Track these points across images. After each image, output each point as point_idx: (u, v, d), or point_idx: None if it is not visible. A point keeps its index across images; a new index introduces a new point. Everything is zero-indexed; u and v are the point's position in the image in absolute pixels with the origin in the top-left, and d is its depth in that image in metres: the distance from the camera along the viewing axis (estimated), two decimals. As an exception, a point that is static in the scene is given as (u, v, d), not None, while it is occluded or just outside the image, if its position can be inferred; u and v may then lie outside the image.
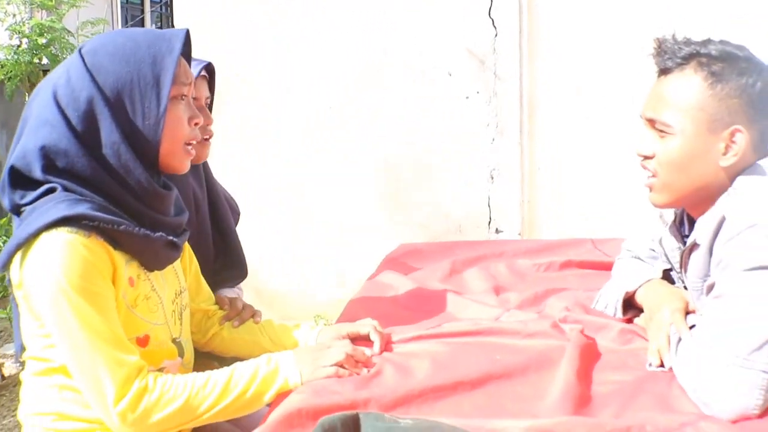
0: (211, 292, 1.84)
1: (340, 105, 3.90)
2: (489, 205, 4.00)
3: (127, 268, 1.43)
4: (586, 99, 3.92)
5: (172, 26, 3.85)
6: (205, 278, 1.86)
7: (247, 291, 2.22)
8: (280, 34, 3.89)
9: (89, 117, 1.39)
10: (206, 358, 1.79)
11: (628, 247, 1.92)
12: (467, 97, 3.89)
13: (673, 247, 1.65)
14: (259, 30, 3.90)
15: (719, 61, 1.44)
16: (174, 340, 1.54)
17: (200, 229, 2.00)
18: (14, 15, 5.18)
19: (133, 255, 1.44)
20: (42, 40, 5.04)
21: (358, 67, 3.86)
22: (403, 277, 2.11)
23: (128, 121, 1.40)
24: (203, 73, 1.89)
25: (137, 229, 1.41)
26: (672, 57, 1.48)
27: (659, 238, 1.70)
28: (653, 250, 1.80)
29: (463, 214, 4.00)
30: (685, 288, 1.63)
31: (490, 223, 4.02)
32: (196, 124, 1.50)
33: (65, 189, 1.38)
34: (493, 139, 3.92)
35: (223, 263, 2.08)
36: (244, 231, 2.21)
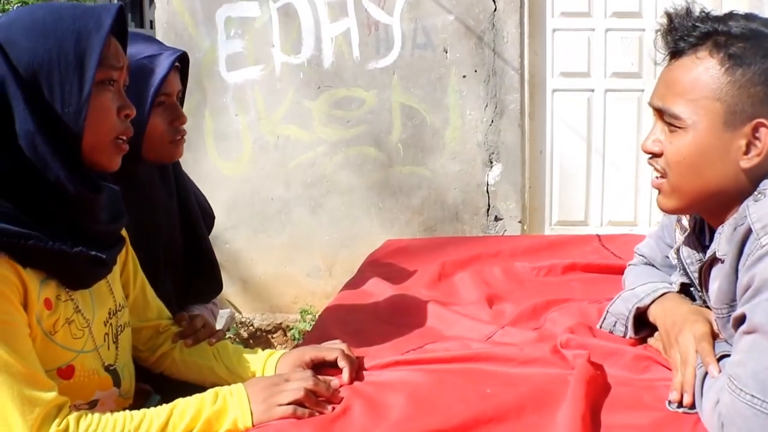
0: (162, 305, 1.61)
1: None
2: (487, 191, 3.76)
3: (43, 288, 1.21)
4: (593, 77, 3.68)
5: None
6: (175, 292, 1.70)
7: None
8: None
9: (1, 101, 1.16)
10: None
11: (642, 251, 1.68)
12: (464, 76, 3.63)
13: (692, 259, 1.40)
14: None
15: (741, 40, 1.18)
16: (107, 368, 1.34)
17: (170, 239, 1.76)
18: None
19: (48, 273, 1.22)
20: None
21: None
22: (384, 283, 1.87)
23: (45, 107, 1.19)
24: (176, 63, 1.66)
25: (50, 243, 1.18)
26: (684, 36, 1.22)
27: (677, 247, 1.45)
28: (668, 257, 1.55)
29: (460, 200, 3.77)
30: (707, 307, 1.38)
31: (488, 210, 3.78)
32: (126, 116, 1.29)
33: None
34: (492, 121, 3.67)
35: (194, 275, 1.85)
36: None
